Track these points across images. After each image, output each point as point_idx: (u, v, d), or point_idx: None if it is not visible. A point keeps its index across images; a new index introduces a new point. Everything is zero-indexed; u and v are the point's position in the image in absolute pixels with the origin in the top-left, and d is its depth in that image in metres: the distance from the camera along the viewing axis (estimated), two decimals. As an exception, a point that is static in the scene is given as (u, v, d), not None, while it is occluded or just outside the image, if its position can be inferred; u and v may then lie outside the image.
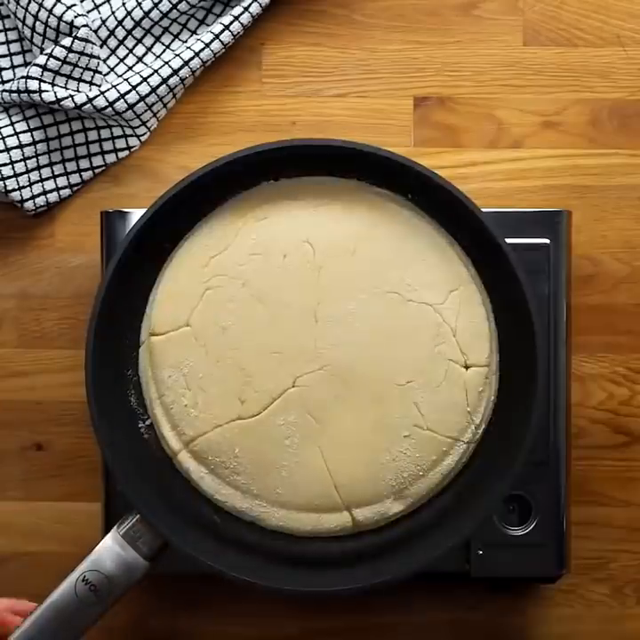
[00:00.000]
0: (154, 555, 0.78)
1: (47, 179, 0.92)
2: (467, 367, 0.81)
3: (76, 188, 0.93)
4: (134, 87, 0.90)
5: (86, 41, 0.89)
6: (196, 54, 0.91)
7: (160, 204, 0.79)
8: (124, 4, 0.92)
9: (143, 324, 0.83)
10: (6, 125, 0.90)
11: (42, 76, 0.89)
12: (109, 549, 0.78)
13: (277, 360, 0.80)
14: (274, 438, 0.80)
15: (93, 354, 0.78)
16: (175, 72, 0.91)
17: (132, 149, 0.93)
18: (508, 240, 0.79)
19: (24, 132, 0.91)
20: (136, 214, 0.86)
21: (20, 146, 0.90)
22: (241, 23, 0.91)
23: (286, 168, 0.82)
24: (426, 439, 0.80)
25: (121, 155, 0.93)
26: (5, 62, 0.94)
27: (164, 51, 0.94)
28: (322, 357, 0.80)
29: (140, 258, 0.81)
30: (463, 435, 0.81)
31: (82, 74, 0.90)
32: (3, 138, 0.90)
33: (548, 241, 0.86)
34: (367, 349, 0.81)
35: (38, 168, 0.92)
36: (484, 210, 0.79)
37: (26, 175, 0.91)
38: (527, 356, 0.79)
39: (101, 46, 0.93)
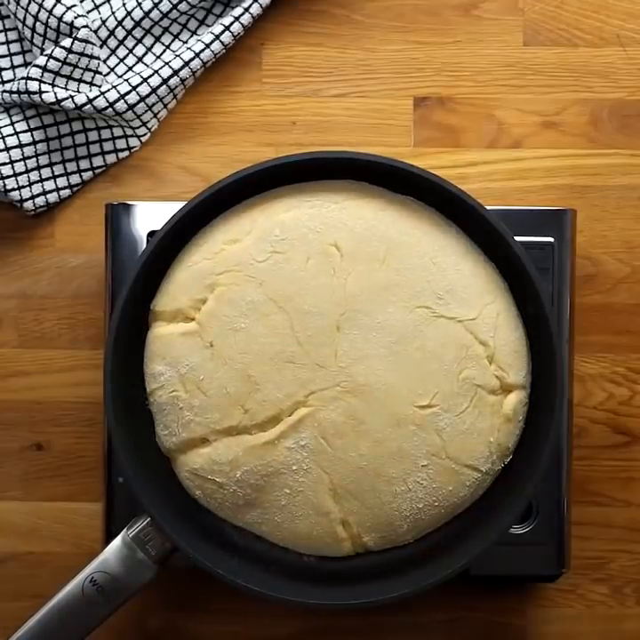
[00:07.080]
0: (162, 558, 0.78)
1: (47, 179, 0.92)
2: (502, 391, 0.76)
3: (75, 189, 0.93)
4: (134, 88, 0.90)
5: (86, 42, 0.89)
6: (197, 55, 0.90)
7: (182, 214, 0.77)
8: (124, 4, 0.92)
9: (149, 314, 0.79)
10: (6, 125, 0.90)
11: (42, 77, 0.88)
12: (118, 551, 0.77)
13: (291, 371, 0.75)
14: (279, 460, 0.75)
15: (113, 351, 0.75)
16: (175, 73, 0.90)
17: (132, 150, 0.93)
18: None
19: (24, 131, 0.91)
20: (139, 207, 0.86)
21: (20, 145, 0.90)
22: (241, 24, 0.91)
23: (309, 178, 0.78)
24: (444, 469, 0.75)
25: (121, 155, 0.93)
26: (5, 62, 0.94)
27: (164, 51, 0.93)
28: (341, 373, 0.74)
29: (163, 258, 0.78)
30: (484, 465, 0.76)
31: (82, 74, 0.90)
32: (3, 137, 0.90)
33: (552, 240, 0.85)
34: (390, 367, 0.75)
35: (38, 168, 0.92)
36: (487, 208, 0.77)
37: (25, 175, 0.91)
38: (547, 398, 0.75)
39: (101, 47, 0.92)
